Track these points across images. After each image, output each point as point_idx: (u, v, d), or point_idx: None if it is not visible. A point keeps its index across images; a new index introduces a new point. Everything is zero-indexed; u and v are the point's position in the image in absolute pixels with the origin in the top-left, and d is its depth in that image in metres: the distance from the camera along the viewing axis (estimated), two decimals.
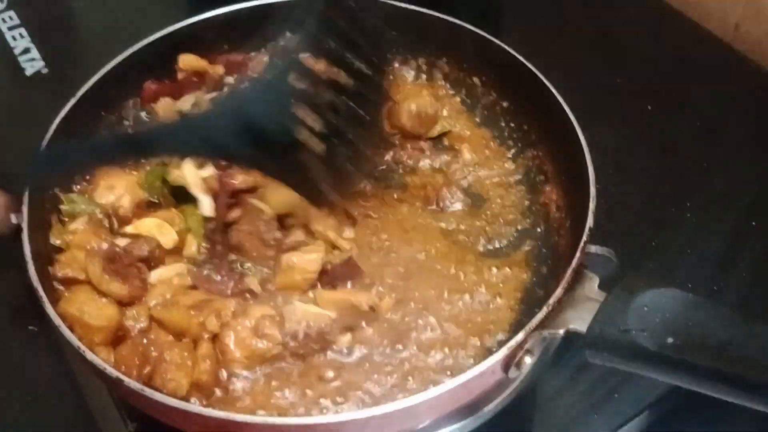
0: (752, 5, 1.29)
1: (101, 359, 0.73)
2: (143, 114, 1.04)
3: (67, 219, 0.91)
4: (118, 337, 0.81)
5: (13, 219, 0.93)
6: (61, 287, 0.84)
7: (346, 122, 0.84)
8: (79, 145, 0.90)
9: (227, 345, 0.80)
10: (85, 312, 0.80)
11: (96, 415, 0.88)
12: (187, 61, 1.04)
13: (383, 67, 0.90)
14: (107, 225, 0.91)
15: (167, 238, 0.89)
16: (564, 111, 0.91)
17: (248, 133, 0.80)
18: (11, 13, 1.32)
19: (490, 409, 0.86)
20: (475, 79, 1.09)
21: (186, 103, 1.02)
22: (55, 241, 0.88)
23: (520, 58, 0.99)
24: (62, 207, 0.91)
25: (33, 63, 1.25)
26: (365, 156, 0.90)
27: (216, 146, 0.82)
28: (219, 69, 1.06)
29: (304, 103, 0.81)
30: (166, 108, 1.01)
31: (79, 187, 0.94)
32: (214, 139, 0.81)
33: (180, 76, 1.04)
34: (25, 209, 0.83)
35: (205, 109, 0.87)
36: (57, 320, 0.75)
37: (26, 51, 1.26)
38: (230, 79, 1.07)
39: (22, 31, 1.29)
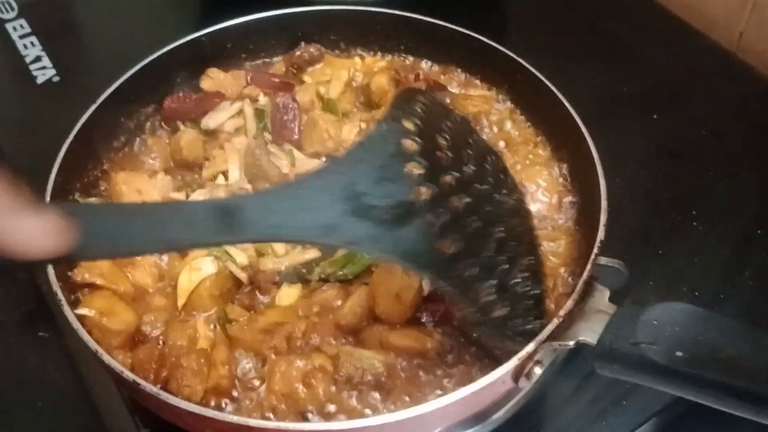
0: (756, 16, 1.30)
1: (118, 363, 0.73)
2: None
3: None
4: (134, 342, 0.82)
5: None
6: (78, 292, 0.85)
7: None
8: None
9: (274, 371, 0.80)
10: (104, 315, 0.81)
11: (107, 422, 0.88)
12: (214, 75, 1.06)
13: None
14: None
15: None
16: (577, 125, 0.92)
17: (355, 204, 0.69)
18: (22, 21, 1.33)
19: (498, 417, 0.87)
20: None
21: (212, 121, 1.03)
22: None
23: (534, 70, 1.00)
24: None
25: (44, 71, 1.25)
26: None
27: (319, 226, 0.68)
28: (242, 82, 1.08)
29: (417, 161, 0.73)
30: None
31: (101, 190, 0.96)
32: (317, 218, 0.68)
33: (205, 85, 1.06)
34: None
35: (301, 178, 0.75)
36: (76, 323, 0.75)
37: (37, 59, 1.27)
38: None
39: (34, 39, 1.30)
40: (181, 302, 0.85)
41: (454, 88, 1.09)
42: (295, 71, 1.11)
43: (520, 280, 0.75)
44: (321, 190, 0.70)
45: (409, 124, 0.75)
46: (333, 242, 0.71)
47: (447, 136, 0.78)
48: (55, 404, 0.90)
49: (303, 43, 1.10)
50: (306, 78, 1.10)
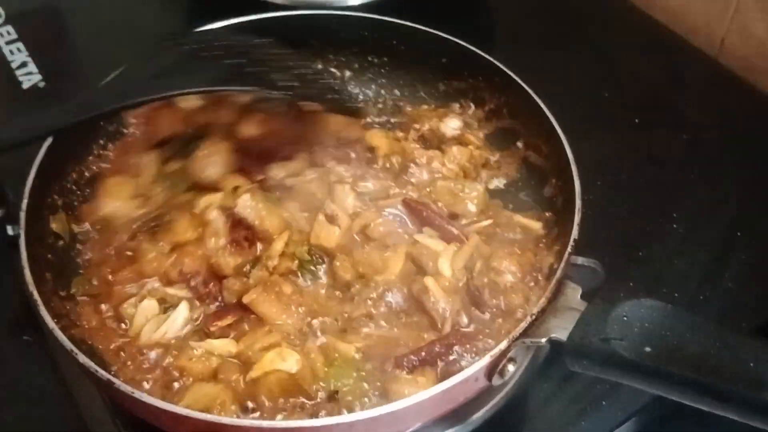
0: (737, 22, 1.31)
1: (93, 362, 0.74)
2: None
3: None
4: None
5: (10, 231, 0.94)
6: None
7: None
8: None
9: None
10: None
11: (89, 423, 0.89)
12: None
13: None
14: None
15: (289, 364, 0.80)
16: (554, 128, 0.92)
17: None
18: (9, 27, 1.33)
19: (479, 416, 0.87)
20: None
21: None
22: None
23: (509, 71, 1.01)
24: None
25: (30, 77, 1.25)
26: None
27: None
28: None
29: None
30: None
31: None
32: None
33: None
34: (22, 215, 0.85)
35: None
36: (51, 323, 0.75)
37: (23, 65, 1.27)
38: None
39: (20, 45, 1.30)
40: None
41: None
42: None
43: None
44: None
45: None
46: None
47: None
48: (38, 407, 0.91)
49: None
50: None
